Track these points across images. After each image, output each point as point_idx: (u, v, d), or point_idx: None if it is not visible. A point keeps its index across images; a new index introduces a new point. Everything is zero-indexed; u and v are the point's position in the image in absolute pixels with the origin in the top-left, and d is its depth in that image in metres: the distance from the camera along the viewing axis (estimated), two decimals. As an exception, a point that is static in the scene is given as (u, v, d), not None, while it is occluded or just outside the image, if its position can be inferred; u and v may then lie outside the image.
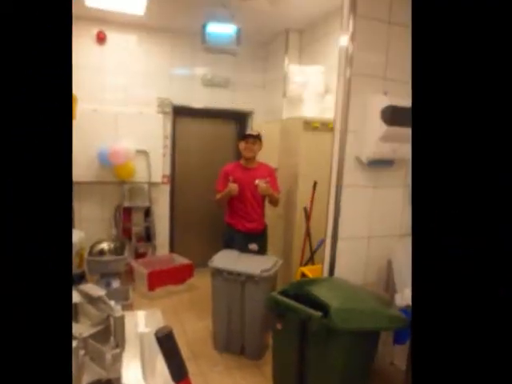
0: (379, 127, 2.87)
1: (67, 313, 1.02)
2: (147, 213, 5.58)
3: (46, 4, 0.96)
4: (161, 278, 4.90)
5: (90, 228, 5.03)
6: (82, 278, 4.33)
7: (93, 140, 5.03)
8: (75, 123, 3.41)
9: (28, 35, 0.94)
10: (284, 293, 2.76)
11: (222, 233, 4.36)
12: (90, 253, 4.58)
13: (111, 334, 1.49)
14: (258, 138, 4.10)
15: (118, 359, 1.43)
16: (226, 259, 3.73)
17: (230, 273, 3.51)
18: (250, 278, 3.46)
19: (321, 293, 2.56)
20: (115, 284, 4.62)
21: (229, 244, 4.14)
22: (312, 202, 4.22)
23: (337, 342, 2.41)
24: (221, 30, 4.21)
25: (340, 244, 3.06)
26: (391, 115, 2.83)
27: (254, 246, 4.07)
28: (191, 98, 5.66)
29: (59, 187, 0.99)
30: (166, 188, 5.75)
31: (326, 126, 4.20)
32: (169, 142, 5.65)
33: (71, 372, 1.11)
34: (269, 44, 5.79)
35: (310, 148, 4.32)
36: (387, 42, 2.98)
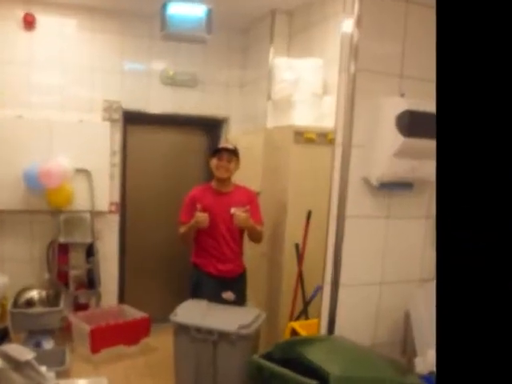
0: (394, 139, 2.88)
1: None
2: (89, 251, 5.51)
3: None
4: (108, 337, 4.86)
5: (14, 271, 5.01)
6: (4, 337, 4.32)
7: (18, 156, 5.01)
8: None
9: None
10: (269, 356, 2.74)
11: (187, 277, 4.33)
12: (15, 303, 4.56)
13: (42, 409, 1.47)
14: (234, 153, 4.12)
15: None
16: (194, 312, 3.71)
17: (199, 330, 3.49)
18: (224, 336, 3.44)
19: (317, 356, 2.53)
20: (47, 344, 4.59)
21: (197, 292, 4.11)
22: (305, 236, 4.21)
23: (338, 420, 2.38)
24: (186, 11, 4.20)
25: (342, 292, 3.04)
26: (409, 123, 2.84)
27: (229, 295, 4.07)
28: (147, 101, 5.68)
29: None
30: (115, 219, 5.72)
31: (323, 138, 4.23)
32: (118, 159, 5.63)
33: None
34: (249, 30, 5.86)
35: (303, 166, 4.33)
36: (404, 28, 3.01)
